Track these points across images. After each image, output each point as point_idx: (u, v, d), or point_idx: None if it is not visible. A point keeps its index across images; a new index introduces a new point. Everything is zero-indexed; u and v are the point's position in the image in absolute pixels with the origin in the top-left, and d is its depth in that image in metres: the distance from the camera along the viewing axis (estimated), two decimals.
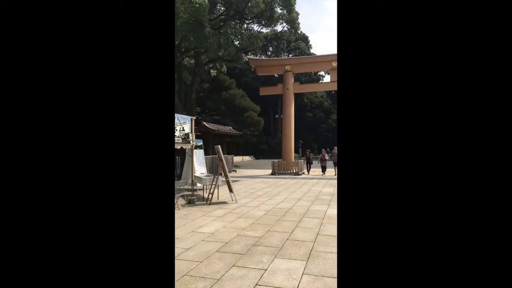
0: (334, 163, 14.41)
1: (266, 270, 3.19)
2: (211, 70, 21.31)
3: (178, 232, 4.73)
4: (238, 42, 15.30)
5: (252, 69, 23.59)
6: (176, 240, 4.30)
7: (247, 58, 18.00)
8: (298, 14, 16.78)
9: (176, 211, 6.32)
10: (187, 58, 18.29)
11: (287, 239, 4.27)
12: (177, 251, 3.84)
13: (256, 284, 2.85)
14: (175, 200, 7.01)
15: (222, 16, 16.54)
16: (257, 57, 25.18)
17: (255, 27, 17.63)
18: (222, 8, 16.91)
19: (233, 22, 15.93)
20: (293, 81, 15.90)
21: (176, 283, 2.88)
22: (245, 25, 17.35)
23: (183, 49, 15.72)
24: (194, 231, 4.79)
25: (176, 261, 3.48)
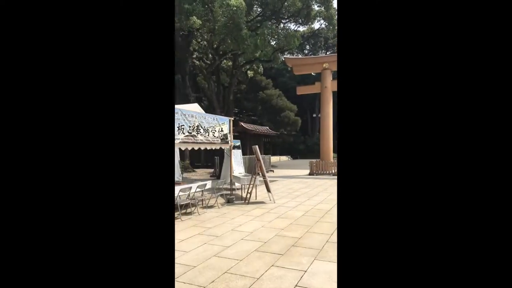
0: None
1: (305, 271, 3.15)
2: (248, 71, 21.56)
3: (218, 230, 4.86)
4: (274, 42, 15.30)
5: (289, 69, 23.43)
6: (216, 238, 4.43)
7: (284, 57, 17.92)
8: (336, 10, 16.32)
9: (215, 210, 6.51)
10: (225, 61, 18.70)
11: (327, 241, 4.18)
12: (217, 248, 3.95)
13: (295, 285, 2.83)
14: (215, 199, 7.21)
15: (259, 17, 16.66)
16: (294, 56, 24.95)
17: (292, 26, 17.52)
18: (259, 9, 17.04)
19: (269, 23, 15.96)
20: (332, 79, 15.49)
21: (217, 280, 2.97)
22: (282, 25, 17.30)
23: (221, 52, 16.12)
24: (233, 230, 4.89)
25: (217, 259, 3.58)
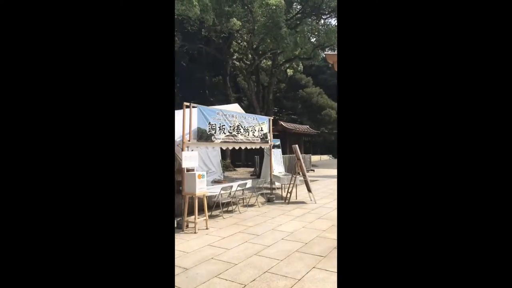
0: None
1: None
2: (288, 70, 21.41)
3: (258, 229, 4.90)
4: (315, 39, 14.98)
5: (330, 65, 22.75)
6: (256, 237, 4.47)
7: (325, 54, 17.44)
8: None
9: (256, 209, 6.57)
10: (264, 60, 18.77)
11: None
12: (258, 247, 3.99)
13: None
14: (255, 198, 7.28)
15: (298, 15, 16.44)
16: (335, 53, 24.19)
17: (333, 22, 16.99)
18: (298, 7, 16.81)
19: (309, 19, 15.67)
20: None
21: (257, 279, 3.00)
22: (322, 21, 16.88)
23: (260, 52, 16.21)
24: (274, 229, 4.89)
25: (257, 257, 3.61)
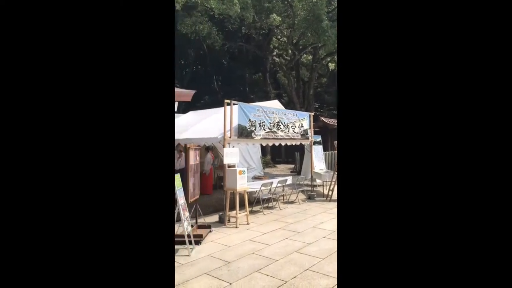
0: None
1: None
2: (329, 64, 20.77)
3: (299, 226, 4.86)
4: None
5: None
6: (297, 234, 4.43)
7: None
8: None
9: (296, 205, 6.52)
10: (305, 55, 18.43)
11: None
12: (298, 244, 3.95)
13: None
14: (296, 195, 7.22)
15: None
16: None
17: None
18: None
19: None
20: None
21: (298, 276, 2.98)
22: None
23: (300, 47, 15.95)
24: (314, 227, 4.81)
25: (298, 255, 3.59)
